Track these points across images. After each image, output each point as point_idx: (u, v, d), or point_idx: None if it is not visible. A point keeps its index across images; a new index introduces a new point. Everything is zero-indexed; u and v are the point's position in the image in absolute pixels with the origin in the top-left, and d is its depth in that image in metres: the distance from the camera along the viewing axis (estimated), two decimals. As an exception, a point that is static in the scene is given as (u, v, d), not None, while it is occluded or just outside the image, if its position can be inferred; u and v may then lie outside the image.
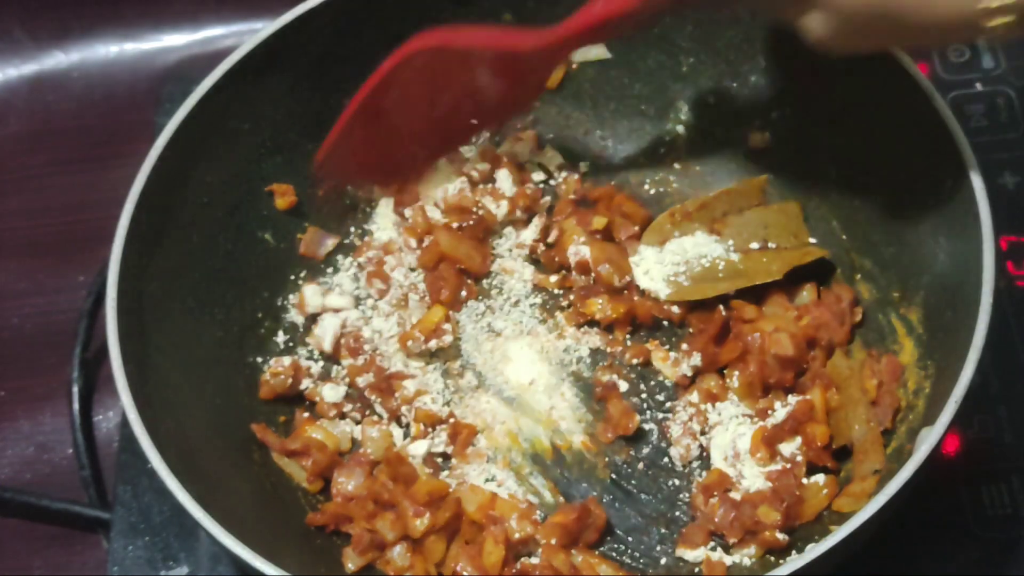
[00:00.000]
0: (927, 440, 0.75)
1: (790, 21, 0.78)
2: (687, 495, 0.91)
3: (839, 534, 0.72)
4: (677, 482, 0.92)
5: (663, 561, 0.89)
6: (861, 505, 0.74)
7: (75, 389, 1.06)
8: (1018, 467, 0.94)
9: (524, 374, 0.98)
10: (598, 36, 0.90)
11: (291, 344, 1.00)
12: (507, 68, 0.86)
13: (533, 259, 1.03)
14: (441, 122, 0.91)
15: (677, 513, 0.91)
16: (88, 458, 1.04)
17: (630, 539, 0.90)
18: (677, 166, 1.07)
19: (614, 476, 0.93)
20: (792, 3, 0.76)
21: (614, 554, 0.89)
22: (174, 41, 1.31)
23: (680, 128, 1.07)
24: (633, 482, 0.93)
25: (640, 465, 0.93)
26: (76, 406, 1.05)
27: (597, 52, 1.06)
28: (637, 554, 0.90)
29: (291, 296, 1.02)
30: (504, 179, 1.04)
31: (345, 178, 1.01)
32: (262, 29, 0.96)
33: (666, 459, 0.93)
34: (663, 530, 0.90)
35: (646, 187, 1.07)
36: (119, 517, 0.97)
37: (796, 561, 0.71)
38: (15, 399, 1.10)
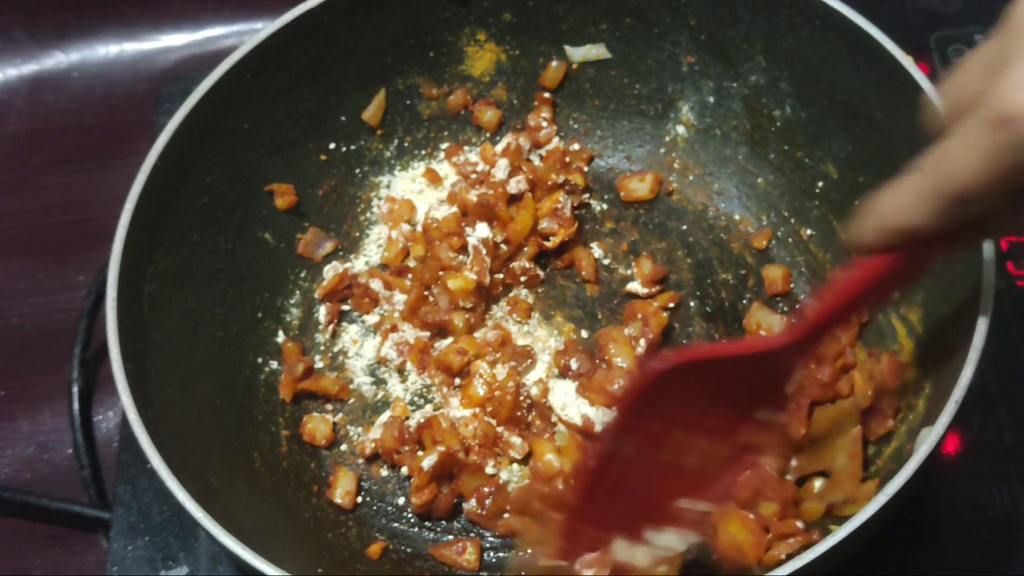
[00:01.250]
0: (927, 440, 0.75)
1: None
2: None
3: (839, 534, 0.72)
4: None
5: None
6: (861, 507, 0.74)
7: (75, 389, 1.06)
8: (1018, 467, 0.94)
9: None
10: (847, 315, 0.76)
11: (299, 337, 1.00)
12: (756, 369, 0.75)
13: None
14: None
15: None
16: (88, 458, 1.04)
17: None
18: (677, 166, 1.07)
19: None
20: None
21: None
22: (174, 41, 1.31)
23: (680, 128, 1.07)
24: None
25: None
26: (76, 406, 1.05)
27: (597, 52, 1.06)
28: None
29: (290, 297, 1.02)
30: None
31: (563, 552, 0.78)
32: (262, 29, 0.97)
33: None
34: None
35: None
36: (119, 517, 0.97)
37: (796, 561, 0.71)
38: (15, 399, 1.10)
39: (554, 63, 1.07)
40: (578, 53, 1.06)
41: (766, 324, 0.96)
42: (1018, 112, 0.58)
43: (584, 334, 1.00)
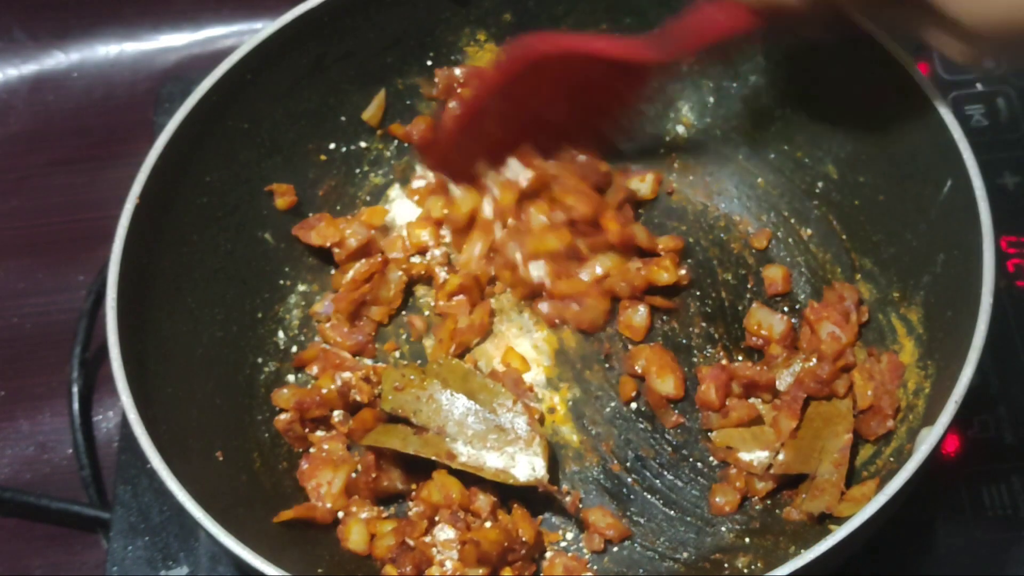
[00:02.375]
0: (927, 440, 0.75)
1: (918, 35, 0.77)
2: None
3: (839, 534, 0.72)
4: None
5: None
6: (861, 508, 0.74)
7: (75, 389, 1.06)
8: (1018, 467, 0.94)
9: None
10: (712, 51, 0.89)
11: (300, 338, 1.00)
12: (617, 73, 0.89)
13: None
14: (547, 121, 0.93)
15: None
16: (88, 458, 1.04)
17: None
18: (677, 166, 1.07)
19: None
20: (914, 14, 0.75)
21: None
22: (174, 41, 1.31)
23: (680, 128, 1.07)
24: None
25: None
26: (76, 406, 1.05)
27: None
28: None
29: (290, 297, 1.02)
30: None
31: (444, 170, 1.02)
32: (262, 29, 0.96)
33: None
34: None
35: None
36: (119, 517, 0.97)
37: (796, 561, 0.71)
38: (15, 399, 1.10)
39: None
40: None
41: (767, 324, 0.96)
42: None
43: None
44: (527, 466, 0.88)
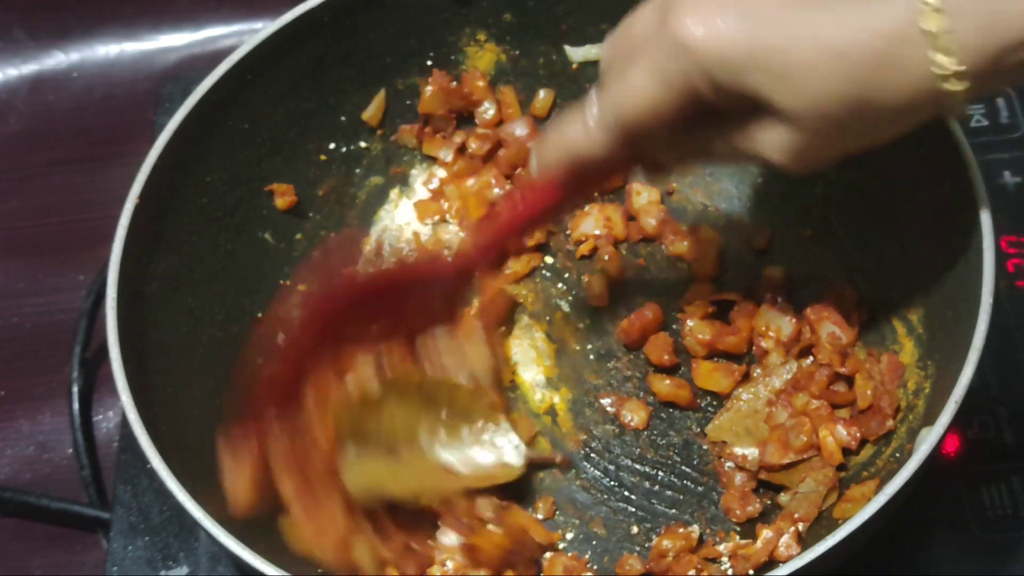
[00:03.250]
0: (927, 440, 0.75)
1: (741, 151, 0.72)
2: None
3: (839, 534, 0.72)
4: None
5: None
6: (861, 508, 0.74)
7: (75, 389, 1.06)
8: (1018, 467, 0.94)
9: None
10: (522, 232, 0.88)
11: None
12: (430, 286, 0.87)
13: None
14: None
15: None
16: (88, 458, 1.04)
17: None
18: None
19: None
20: (735, 127, 0.70)
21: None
22: (174, 41, 1.31)
23: (680, 128, 1.07)
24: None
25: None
26: (76, 406, 1.05)
27: (598, 52, 1.06)
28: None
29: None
30: None
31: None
32: (262, 29, 0.97)
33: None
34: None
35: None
36: (119, 517, 0.97)
37: (796, 561, 0.71)
38: (15, 399, 1.10)
39: (542, 93, 1.07)
40: (578, 53, 1.06)
41: (775, 326, 0.95)
42: (689, 40, 0.65)
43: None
44: (510, 447, 0.88)
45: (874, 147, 0.71)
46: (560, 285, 1.02)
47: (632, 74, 0.69)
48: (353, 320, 0.84)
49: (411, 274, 0.86)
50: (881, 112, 0.66)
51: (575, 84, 1.08)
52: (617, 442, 0.95)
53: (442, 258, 0.87)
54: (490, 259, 0.85)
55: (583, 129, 0.73)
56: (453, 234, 1.04)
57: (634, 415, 0.95)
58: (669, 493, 0.92)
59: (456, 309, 0.89)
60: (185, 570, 0.94)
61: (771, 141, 0.69)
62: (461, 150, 1.06)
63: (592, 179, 0.77)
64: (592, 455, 0.94)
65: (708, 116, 0.70)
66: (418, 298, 0.86)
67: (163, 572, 0.94)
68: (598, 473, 0.93)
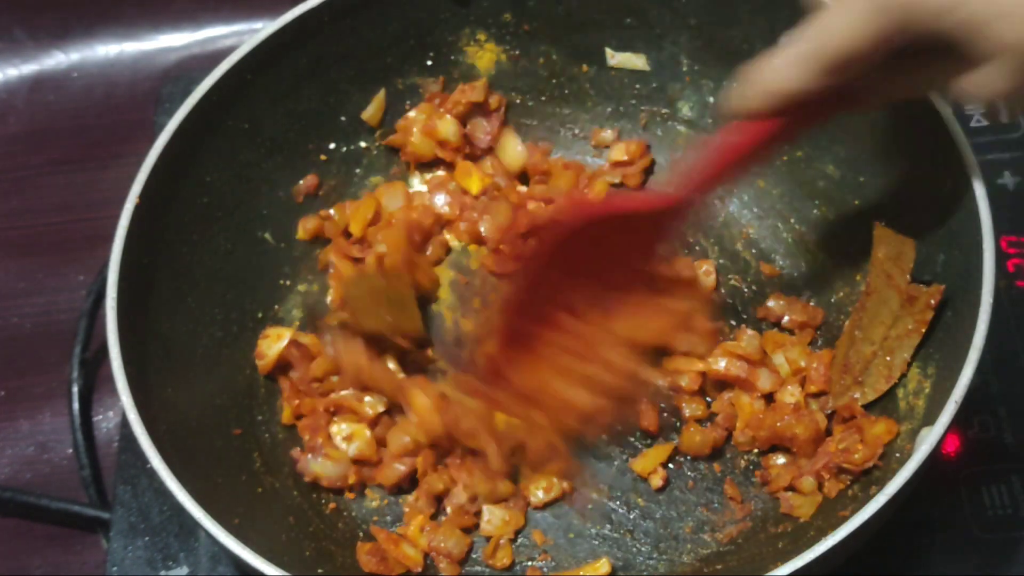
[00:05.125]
0: (927, 440, 0.75)
1: (940, 88, 0.75)
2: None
3: (839, 534, 0.72)
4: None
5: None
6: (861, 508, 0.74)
7: (75, 389, 1.06)
8: (1018, 467, 0.94)
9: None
10: (733, 173, 0.83)
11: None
12: (644, 224, 0.83)
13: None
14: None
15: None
16: (88, 458, 1.04)
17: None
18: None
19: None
20: (938, 64, 0.73)
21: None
22: (174, 41, 1.31)
23: (680, 128, 1.07)
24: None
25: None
26: (76, 406, 1.05)
27: (636, 62, 1.06)
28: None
29: (290, 297, 1.02)
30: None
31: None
32: (262, 29, 0.96)
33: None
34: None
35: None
36: (119, 517, 0.97)
37: (796, 561, 0.71)
38: (15, 399, 1.10)
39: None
40: (617, 58, 1.06)
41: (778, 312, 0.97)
42: None
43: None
44: None
45: None
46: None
47: (837, 12, 0.70)
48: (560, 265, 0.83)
49: (623, 210, 0.84)
50: None
51: (575, 84, 1.08)
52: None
53: (656, 194, 0.85)
54: (703, 198, 0.84)
55: (784, 65, 0.73)
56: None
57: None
58: (673, 492, 0.92)
59: (653, 258, 0.88)
60: (185, 570, 0.94)
61: (977, 79, 0.70)
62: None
63: (796, 117, 0.77)
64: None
65: (910, 52, 0.72)
66: (621, 242, 0.83)
67: (163, 572, 0.94)
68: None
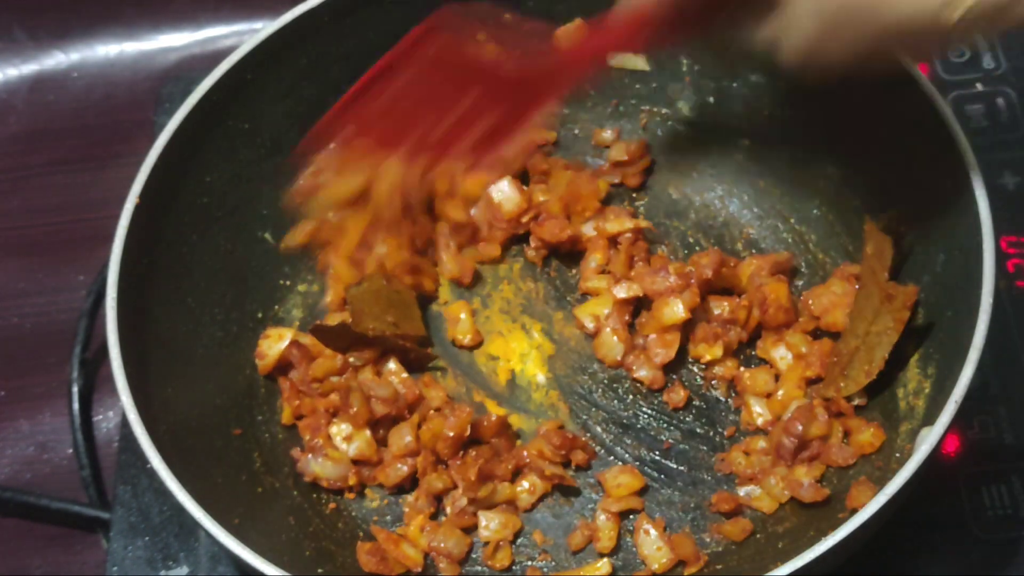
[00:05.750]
0: (927, 440, 0.75)
1: (761, 42, 0.77)
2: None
3: (839, 534, 0.72)
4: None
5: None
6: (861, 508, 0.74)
7: (75, 389, 1.06)
8: (1018, 467, 0.94)
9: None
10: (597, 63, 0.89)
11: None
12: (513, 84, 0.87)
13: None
14: (454, 119, 0.89)
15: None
16: (88, 458, 1.04)
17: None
18: (677, 166, 1.07)
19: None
20: (757, 16, 0.76)
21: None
22: (174, 41, 1.31)
23: (681, 127, 1.07)
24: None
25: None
26: (76, 406, 1.05)
27: (636, 63, 1.06)
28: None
29: (290, 297, 1.02)
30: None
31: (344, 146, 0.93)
32: (262, 29, 0.96)
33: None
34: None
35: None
36: (119, 517, 0.97)
37: (796, 561, 0.71)
38: (15, 399, 1.10)
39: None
40: (617, 58, 1.06)
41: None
42: None
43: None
44: None
45: (868, 60, 0.74)
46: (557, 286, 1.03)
47: None
48: (435, 94, 0.88)
49: (516, 64, 0.87)
50: (879, 21, 0.69)
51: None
52: (620, 437, 0.95)
53: (552, 53, 0.89)
54: (593, 69, 0.87)
55: None
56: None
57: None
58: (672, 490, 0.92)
59: (523, 122, 0.89)
60: (185, 570, 0.94)
61: (782, 34, 0.74)
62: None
63: (660, 32, 0.81)
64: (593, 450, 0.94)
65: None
66: (502, 93, 0.87)
67: (163, 572, 0.94)
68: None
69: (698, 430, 0.94)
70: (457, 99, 0.87)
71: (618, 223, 1.01)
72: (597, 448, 0.94)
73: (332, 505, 0.93)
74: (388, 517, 0.93)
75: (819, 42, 0.73)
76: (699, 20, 0.81)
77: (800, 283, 1.00)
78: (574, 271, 1.03)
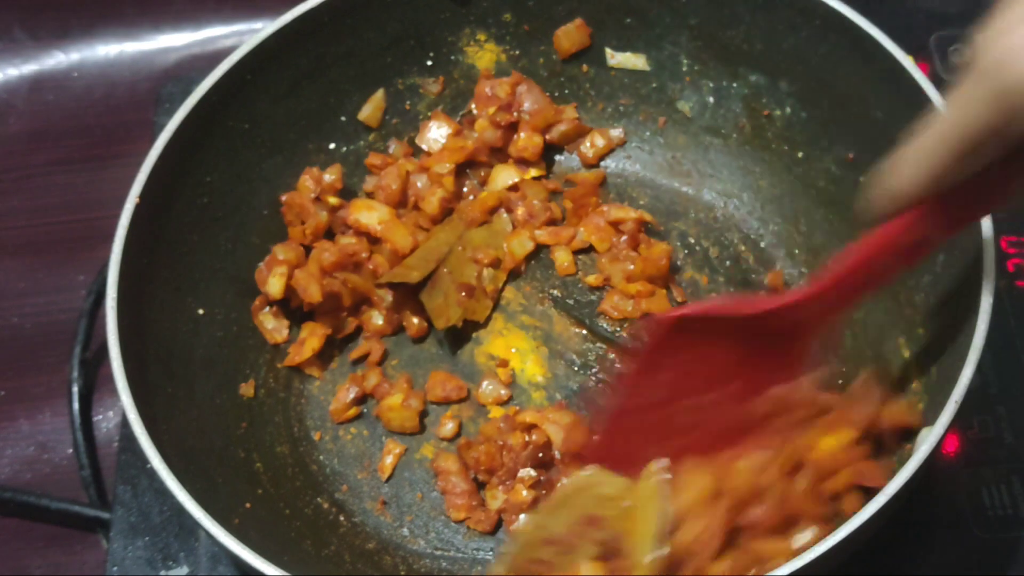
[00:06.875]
0: (927, 440, 0.75)
1: None
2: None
3: (839, 534, 0.72)
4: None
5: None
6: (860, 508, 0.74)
7: (75, 389, 1.06)
8: (1018, 467, 0.94)
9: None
10: (865, 282, 0.78)
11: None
12: (767, 329, 0.78)
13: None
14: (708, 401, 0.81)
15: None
16: (88, 458, 1.04)
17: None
18: (677, 166, 1.07)
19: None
20: None
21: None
22: (174, 41, 1.31)
23: (680, 128, 1.07)
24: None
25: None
26: (76, 406, 1.05)
27: (636, 62, 1.06)
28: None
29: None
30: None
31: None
32: (262, 29, 0.97)
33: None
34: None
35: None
36: (119, 517, 0.97)
37: (796, 561, 0.71)
38: (15, 399, 1.10)
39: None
40: (617, 58, 1.06)
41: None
42: (999, 59, 0.62)
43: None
44: None
45: None
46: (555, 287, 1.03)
47: (953, 97, 0.66)
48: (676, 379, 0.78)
49: (746, 312, 0.78)
50: None
51: (574, 84, 1.08)
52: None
53: (783, 297, 0.78)
54: (839, 304, 0.78)
55: (905, 164, 0.70)
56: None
57: None
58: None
59: (801, 361, 0.80)
60: (185, 570, 0.94)
61: None
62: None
63: (937, 216, 0.71)
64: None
65: None
66: (756, 345, 0.78)
67: (163, 572, 0.94)
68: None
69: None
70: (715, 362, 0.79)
71: (622, 211, 1.02)
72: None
73: (332, 505, 0.93)
74: (388, 518, 0.93)
75: None
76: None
77: (801, 282, 1.00)
78: (577, 273, 1.03)
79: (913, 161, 0.70)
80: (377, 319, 1.00)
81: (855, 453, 0.80)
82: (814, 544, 0.72)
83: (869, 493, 0.83)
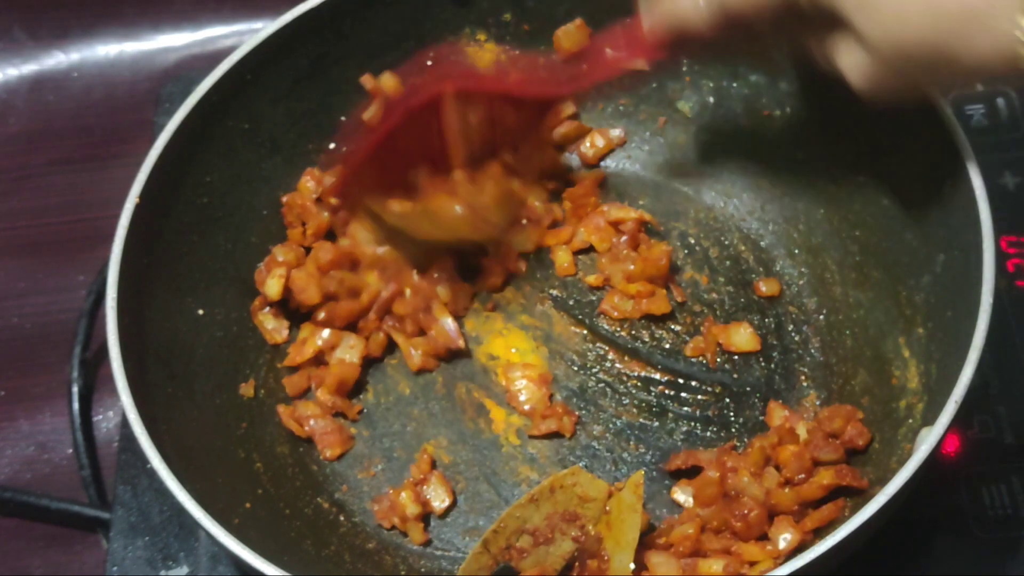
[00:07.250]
0: (927, 440, 0.75)
1: (825, 60, 0.79)
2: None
3: (839, 533, 0.72)
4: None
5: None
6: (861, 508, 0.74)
7: (75, 389, 1.06)
8: (1018, 467, 0.95)
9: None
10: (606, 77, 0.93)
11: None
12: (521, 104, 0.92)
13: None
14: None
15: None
16: (88, 458, 1.04)
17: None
18: (677, 166, 1.07)
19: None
20: (823, 36, 0.77)
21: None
22: (174, 41, 1.31)
23: (680, 128, 1.07)
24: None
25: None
26: (76, 406, 1.05)
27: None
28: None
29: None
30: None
31: (361, 200, 0.97)
32: (262, 29, 0.97)
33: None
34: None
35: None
36: (119, 517, 0.97)
37: (796, 561, 0.71)
38: (15, 399, 1.10)
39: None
40: None
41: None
42: None
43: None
44: None
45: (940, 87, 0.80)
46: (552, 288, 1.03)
47: None
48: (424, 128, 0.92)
49: (502, 85, 0.92)
50: (955, 63, 0.70)
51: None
52: (621, 429, 0.95)
53: (540, 80, 0.93)
54: (584, 88, 0.92)
55: (693, 5, 0.80)
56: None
57: None
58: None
59: (526, 136, 0.96)
60: (185, 570, 0.94)
61: (848, 59, 0.75)
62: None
63: (690, 48, 0.86)
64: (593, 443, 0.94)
65: (801, 19, 0.77)
66: (494, 117, 0.92)
67: (163, 572, 0.94)
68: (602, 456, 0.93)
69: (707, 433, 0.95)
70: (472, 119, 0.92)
71: (622, 211, 1.02)
72: (598, 449, 0.94)
73: (332, 505, 0.93)
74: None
75: (892, 78, 0.75)
76: (741, 44, 0.86)
77: (801, 282, 1.00)
78: (577, 273, 1.03)
79: (698, 7, 0.80)
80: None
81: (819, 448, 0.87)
82: (796, 546, 0.73)
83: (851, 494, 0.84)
